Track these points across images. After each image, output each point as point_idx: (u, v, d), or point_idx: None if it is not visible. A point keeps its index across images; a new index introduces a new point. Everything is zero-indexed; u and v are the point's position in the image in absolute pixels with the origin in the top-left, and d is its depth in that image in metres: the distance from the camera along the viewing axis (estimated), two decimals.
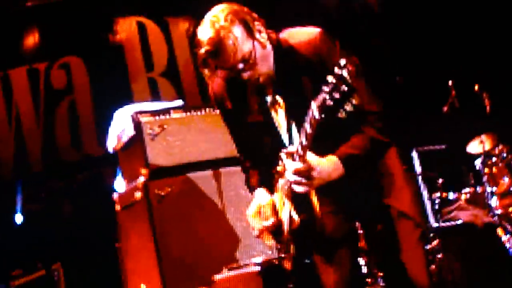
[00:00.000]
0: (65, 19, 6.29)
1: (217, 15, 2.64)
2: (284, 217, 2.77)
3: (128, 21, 6.49)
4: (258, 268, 3.71)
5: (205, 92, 3.04)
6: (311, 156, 2.56)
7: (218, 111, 3.04)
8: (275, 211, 2.83)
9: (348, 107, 2.38)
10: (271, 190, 2.87)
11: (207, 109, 4.51)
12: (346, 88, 2.35)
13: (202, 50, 2.61)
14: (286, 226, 2.77)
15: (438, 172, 5.79)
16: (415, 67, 6.70)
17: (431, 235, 5.09)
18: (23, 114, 6.31)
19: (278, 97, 2.75)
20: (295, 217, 2.73)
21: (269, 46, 2.70)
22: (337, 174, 2.61)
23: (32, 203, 6.44)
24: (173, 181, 4.39)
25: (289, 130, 2.75)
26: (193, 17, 6.36)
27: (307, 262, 2.88)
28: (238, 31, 2.60)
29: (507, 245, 5.04)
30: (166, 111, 4.52)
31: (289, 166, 2.58)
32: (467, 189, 5.56)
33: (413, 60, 6.77)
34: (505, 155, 5.45)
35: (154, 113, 4.48)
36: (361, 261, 3.38)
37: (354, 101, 2.38)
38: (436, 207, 5.56)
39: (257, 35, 2.65)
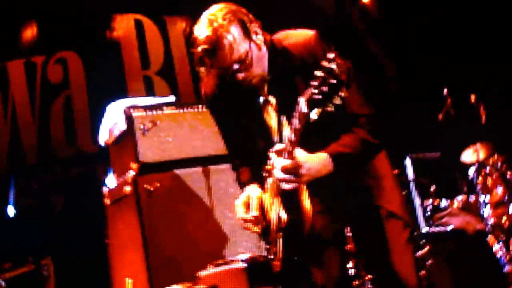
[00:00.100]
0: (64, 14, 6.31)
1: (215, 13, 2.64)
2: (273, 216, 2.77)
3: (126, 18, 6.51)
4: (243, 265, 3.72)
5: (199, 92, 3.04)
6: (299, 153, 2.57)
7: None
8: (263, 207, 2.83)
9: (337, 101, 2.39)
10: (262, 188, 2.87)
11: (199, 106, 4.53)
12: (334, 81, 2.36)
13: (199, 48, 2.61)
14: (274, 226, 2.77)
15: (431, 179, 5.79)
16: (412, 73, 6.72)
17: (422, 241, 5.10)
18: (19, 107, 6.32)
19: (271, 98, 2.76)
20: (283, 216, 2.73)
21: (264, 48, 2.71)
22: (326, 171, 2.61)
23: (25, 196, 6.45)
24: (162, 176, 4.40)
25: (280, 130, 2.76)
26: (190, 17, 6.37)
27: (296, 261, 2.87)
28: (235, 31, 2.61)
29: (499, 253, 5.04)
30: (159, 106, 4.53)
31: (277, 163, 2.59)
32: (460, 197, 5.56)
33: (410, 66, 6.78)
34: (499, 165, 5.45)
35: (147, 108, 4.49)
36: (349, 263, 3.39)
37: (342, 94, 2.39)
38: (428, 213, 5.56)
39: (254, 37, 2.66)
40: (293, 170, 2.55)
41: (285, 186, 2.61)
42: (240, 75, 2.66)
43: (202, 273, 3.92)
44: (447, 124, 5.71)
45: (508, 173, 5.41)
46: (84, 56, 6.40)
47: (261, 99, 2.77)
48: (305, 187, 2.72)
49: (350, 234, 2.88)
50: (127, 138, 4.49)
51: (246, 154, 2.97)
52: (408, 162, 5.99)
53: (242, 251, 4.15)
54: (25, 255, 5.66)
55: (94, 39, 6.44)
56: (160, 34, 6.57)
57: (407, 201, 5.62)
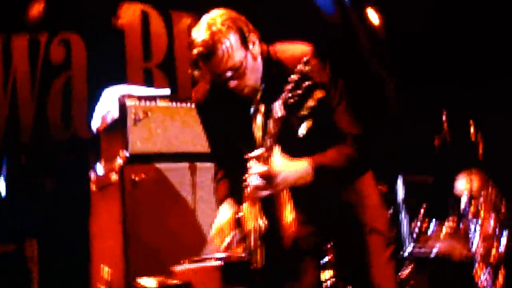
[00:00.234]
0: None
1: (214, 18, 2.64)
2: (252, 225, 2.75)
3: (133, 8, 6.51)
4: (218, 263, 3.72)
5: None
6: (277, 159, 2.55)
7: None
8: (236, 225, 2.82)
9: (312, 103, 2.39)
10: (240, 201, 2.84)
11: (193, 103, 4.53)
12: (307, 83, 2.36)
13: (195, 51, 2.61)
14: (253, 234, 2.76)
15: (421, 201, 5.79)
16: (412, 95, 6.73)
17: (406, 261, 5.10)
18: (19, 83, 6.30)
19: (261, 108, 2.73)
20: (263, 224, 2.72)
21: (259, 59, 2.70)
22: (304, 180, 2.61)
23: (16, 175, 6.44)
24: (149, 168, 4.42)
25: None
26: (197, 14, 6.36)
27: (275, 269, 2.86)
28: (233, 38, 2.60)
29: (483, 285, 5.04)
30: (153, 98, 4.55)
31: (253, 170, 2.58)
32: (449, 223, 5.56)
33: (411, 87, 6.79)
34: (493, 197, 5.46)
35: (141, 98, 4.51)
36: (327, 273, 3.39)
37: (317, 96, 2.39)
38: (415, 234, 5.55)
39: (251, 46, 2.65)
40: (269, 177, 2.55)
41: (261, 193, 2.60)
42: (232, 83, 2.65)
43: (177, 268, 3.93)
44: (443, 149, 5.72)
45: (502, 207, 5.42)
46: (87, 40, 6.38)
47: (252, 109, 2.75)
48: (287, 194, 2.72)
49: (331, 246, 2.89)
50: (118, 127, 4.50)
51: (230, 163, 2.95)
52: (399, 181, 5.99)
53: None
54: (9, 235, 5.67)
55: (99, 24, 6.43)
56: (165, 28, 6.56)
57: (394, 220, 5.62)
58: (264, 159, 2.54)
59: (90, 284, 4.91)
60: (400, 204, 5.64)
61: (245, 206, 2.77)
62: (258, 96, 2.71)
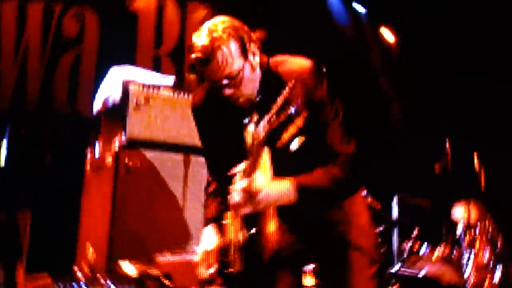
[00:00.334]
0: None
1: (216, 25, 2.62)
2: (232, 237, 2.72)
3: None
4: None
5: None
6: (260, 177, 2.53)
7: None
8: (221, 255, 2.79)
9: (293, 130, 2.41)
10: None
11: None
12: (290, 112, 2.36)
13: (193, 56, 2.59)
14: (233, 246, 2.73)
15: (416, 223, 5.78)
16: (418, 118, 6.73)
17: (392, 280, 5.10)
18: (30, 51, 6.28)
19: (255, 120, 2.69)
20: (241, 237, 2.69)
21: (258, 70, 2.67)
22: (287, 200, 2.58)
23: (16, 144, 6.45)
24: (144, 155, 4.44)
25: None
26: (212, 7, 6.37)
27: (254, 279, 2.84)
28: (232, 46, 2.57)
29: None
30: (157, 86, 4.56)
31: (235, 185, 2.56)
32: (443, 247, 5.55)
33: (418, 111, 6.79)
34: (490, 230, 5.45)
35: (144, 85, 4.52)
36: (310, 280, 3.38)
37: (298, 122, 2.39)
38: (405, 254, 5.54)
39: (250, 57, 2.63)
40: (250, 194, 2.52)
41: (242, 209, 2.58)
42: (228, 91, 2.63)
43: (159, 258, 3.95)
44: (443, 175, 5.72)
45: (498, 241, 5.42)
46: (102, 18, 6.38)
47: (246, 120, 2.71)
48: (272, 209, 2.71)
49: (313, 258, 2.88)
50: (119, 110, 4.52)
51: (223, 172, 2.85)
52: (395, 200, 5.98)
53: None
54: (3, 204, 5.68)
55: (115, 4, 6.43)
56: (179, 17, 6.55)
57: (386, 237, 5.63)
58: (247, 175, 2.51)
59: (74, 261, 4.93)
60: (393, 222, 5.65)
61: (229, 214, 2.75)
62: (253, 107, 2.69)
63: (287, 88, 2.43)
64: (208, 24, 2.64)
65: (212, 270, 2.76)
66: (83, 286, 4.06)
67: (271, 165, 2.62)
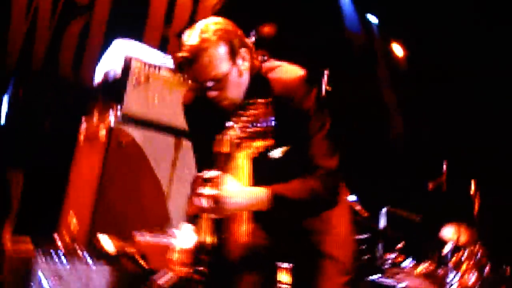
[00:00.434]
0: None
1: (208, 25, 2.61)
2: (202, 238, 2.69)
3: None
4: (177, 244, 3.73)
5: None
6: (230, 184, 2.51)
7: None
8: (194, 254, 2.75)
9: (259, 143, 2.41)
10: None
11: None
12: (257, 128, 2.39)
13: (180, 54, 2.59)
14: (202, 248, 2.71)
15: (403, 236, 5.78)
16: (419, 135, 6.73)
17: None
18: (41, 10, 6.26)
19: (236, 123, 2.66)
20: (211, 239, 2.67)
21: (246, 76, 2.66)
22: (259, 207, 2.56)
23: (17, 104, 6.45)
24: (137, 133, 4.44)
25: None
26: None
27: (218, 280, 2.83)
28: (221, 49, 2.56)
29: None
30: (159, 66, 4.55)
31: (204, 191, 2.54)
32: (427, 264, 5.54)
33: (419, 128, 6.79)
34: (479, 256, 5.44)
35: (146, 63, 4.51)
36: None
37: (263, 143, 2.40)
38: (387, 265, 5.53)
39: (239, 61, 2.62)
40: (216, 200, 2.50)
41: (209, 215, 2.56)
42: (212, 93, 2.62)
43: (138, 236, 3.96)
44: (436, 194, 5.73)
45: (487, 267, 5.41)
46: None
47: (229, 123, 2.68)
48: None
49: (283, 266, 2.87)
50: (118, 85, 4.51)
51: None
52: (383, 211, 5.97)
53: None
54: None
55: None
56: (192, 0, 6.55)
57: (370, 248, 5.63)
58: (216, 182, 2.50)
59: (58, 228, 4.94)
60: (379, 232, 5.64)
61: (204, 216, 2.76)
62: (237, 111, 2.64)
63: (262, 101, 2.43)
64: (200, 24, 2.63)
65: (186, 269, 2.74)
66: (61, 256, 4.06)
67: (251, 172, 2.60)
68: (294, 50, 6.14)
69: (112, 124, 4.42)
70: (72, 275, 3.88)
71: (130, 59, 4.48)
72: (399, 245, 5.61)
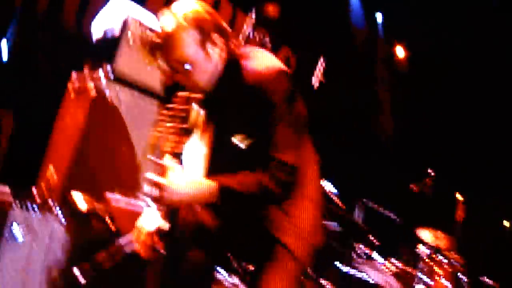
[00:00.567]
0: None
1: (181, 9, 2.63)
2: (156, 223, 2.78)
3: None
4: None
5: None
6: (176, 176, 2.53)
7: None
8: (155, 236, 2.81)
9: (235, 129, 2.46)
10: None
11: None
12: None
13: (150, 34, 2.63)
14: (158, 232, 2.78)
15: (379, 232, 5.79)
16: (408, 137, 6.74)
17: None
18: None
19: (203, 108, 2.73)
20: (163, 226, 2.75)
21: (216, 62, 2.65)
22: (205, 200, 2.59)
23: (16, 45, 6.39)
24: (125, 93, 4.42)
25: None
26: None
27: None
28: (190, 34, 2.58)
29: None
30: (155, 31, 4.50)
31: (150, 180, 2.56)
32: (399, 263, 5.54)
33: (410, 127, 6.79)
34: (455, 263, 5.45)
35: (144, 25, 4.47)
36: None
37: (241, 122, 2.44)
38: (355, 256, 5.53)
39: (209, 48, 2.61)
40: (158, 190, 2.53)
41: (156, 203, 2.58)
42: (179, 77, 2.64)
43: (109, 195, 3.97)
44: (419, 198, 5.75)
45: (462, 274, 5.42)
46: None
47: (196, 107, 2.74)
48: None
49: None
50: (112, 43, 4.48)
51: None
52: (361, 206, 5.97)
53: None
54: None
55: None
56: None
57: (342, 239, 5.63)
58: (163, 172, 2.53)
59: (38, 177, 4.93)
60: (353, 224, 5.65)
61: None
62: (204, 97, 2.70)
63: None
64: (175, 7, 2.64)
65: (146, 249, 2.79)
66: (36, 207, 4.06)
67: (208, 162, 2.64)
68: (295, 35, 6.15)
69: (100, 81, 4.39)
70: (43, 227, 3.88)
71: (128, 18, 4.43)
72: (372, 240, 5.63)
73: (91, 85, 4.46)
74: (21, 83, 6.19)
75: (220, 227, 2.76)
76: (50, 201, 4.06)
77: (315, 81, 5.09)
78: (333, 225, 5.37)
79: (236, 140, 2.58)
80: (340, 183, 5.57)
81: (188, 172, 2.63)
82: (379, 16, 6.87)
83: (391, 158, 6.43)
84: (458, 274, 5.48)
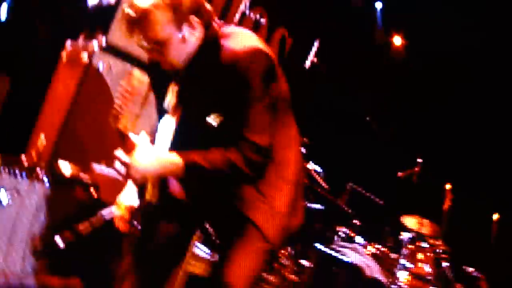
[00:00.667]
0: None
1: None
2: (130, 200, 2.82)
3: None
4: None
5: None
6: (142, 152, 2.55)
7: None
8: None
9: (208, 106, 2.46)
10: None
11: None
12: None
13: (126, 12, 2.57)
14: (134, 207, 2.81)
15: (360, 215, 5.81)
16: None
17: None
18: None
19: (176, 86, 2.72)
20: (135, 199, 2.78)
21: (192, 43, 2.61)
22: (170, 174, 2.62)
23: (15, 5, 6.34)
24: (117, 64, 4.45)
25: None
26: None
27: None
28: (165, 15, 2.53)
29: None
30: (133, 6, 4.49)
31: (118, 156, 2.59)
32: (379, 247, 5.56)
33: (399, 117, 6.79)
34: (439, 251, 5.47)
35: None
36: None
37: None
38: (336, 238, 5.55)
39: (185, 29, 2.58)
40: (127, 168, 2.55)
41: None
42: (153, 55, 2.63)
43: (95, 166, 3.98)
44: (407, 185, 5.76)
45: (444, 262, 5.44)
46: None
47: (172, 85, 2.73)
48: None
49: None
50: (109, 13, 4.48)
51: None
52: (347, 188, 5.98)
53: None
54: None
55: None
56: None
57: (324, 219, 5.65)
58: (131, 148, 2.55)
59: (28, 144, 4.93)
60: (335, 206, 5.66)
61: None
62: (177, 76, 2.69)
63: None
64: None
65: (124, 223, 2.82)
66: (24, 174, 4.07)
67: (175, 138, 2.65)
68: (292, 16, 6.12)
69: (94, 50, 4.39)
70: (29, 193, 3.90)
71: None
72: (354, 222, 5.65)
73: (84, 55, 4.46)
74: (18, 48, 6.17)
75: (190, 202, 2.78)
76: (38, 169, 4.08)
77: (308, 63, 5.07)
78: (316, 206, 5.38)
79: (210, 119, 2.57)
80: (329, 165, 5.59)
81: (158, 149, 2.63)
82: (378, 5, 6.85)
83: (382, 144, 6.42)
84: (440, 260, 5.50)
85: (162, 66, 2.66)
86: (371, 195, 6.03)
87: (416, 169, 5.70)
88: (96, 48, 4.41)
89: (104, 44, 4.42)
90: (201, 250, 3.69)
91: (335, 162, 6.03)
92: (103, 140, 4.31)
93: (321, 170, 5.36)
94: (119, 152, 2.58)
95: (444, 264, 5.49)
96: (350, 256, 5.21)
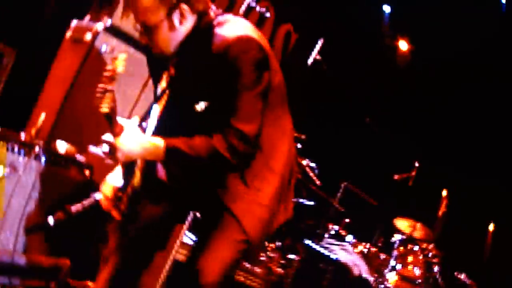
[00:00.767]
0: None
1: None
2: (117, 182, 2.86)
3: None
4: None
5: None
6: (127, 134, 2.61)
7: None
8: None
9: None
10: None
11: None
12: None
13: None
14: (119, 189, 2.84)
15: (351, 214, 5.82)
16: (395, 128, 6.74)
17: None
18: None
19: (168, 74, 2.75)
20: (119, 181, 2.82)
21: (181, 31, 2.64)
22: (152, 158, 2.66)
23: None
24: (120, 47, 4.45)
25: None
26: None
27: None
28: (155, 1, 2.58)
29: None
30: None
31: (105, 137, 2.65)
32: (369, 247, 5.57)
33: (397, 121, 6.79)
34: (430, 254, 5.48)
35: None
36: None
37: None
38: (326, 235, 5.56)
39: (174, 17, 2.61)
40: (112, 149, 2.62)
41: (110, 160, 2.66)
42: (144, 38, 2.68)
43: (91, 148, 3.98)
44: (402, 186, 5.77)
45: (435, 267, 5.45)
46: None
47: (163, 70, 2.77)
48: None
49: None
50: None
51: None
52: (341, 186, 5.99)
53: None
54: None
55: None
56: None
57: (314, 215, 5.66)
58: (117, 131, 2.60)
59: (28, 121, 4.93)
60: (327, 203, 5.67)
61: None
62: (167, 62, 2.72)
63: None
64: None
65: (109, 203, 2.85)
66: (22, 151, 4.07)
67: (162, 124, 2.69)
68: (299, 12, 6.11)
69: (98, 31, 4.38)
70: (26, 170, 3.90)
71: None
72: (347, 222, 5.66)
73: (88, 36, 4.45)
74: (26, 24, 6.15)
75: (173, 186, 2.80)
76: (36, 148, 4.08)
77: (311, 59, 5.06)
78: (307, 202, 5.39)
79: (199, 106, 2.59)
80: (326, 163, 5.59)
81: (143, 133, 2.68)
82: (386, 8, 6.86)
83: (380, 145, 6.42)
84: (432, 265, 5.51)
85: (153, 50, 2.69)
86: (365, 195, 6.04)
87: (413, 173, 5.71)
88: (100, 29, 4.41)
89: (108, 25, 4.41)
90: (189, 238, 3.70)
91: (332, 160, 6.04)
92: (101, 123, 4.30)
93: (315, 167, 5.36)
94: (106, 135, 2.62)
95: (435, 268, 5.51)
96: (338, 254, 5.23)
